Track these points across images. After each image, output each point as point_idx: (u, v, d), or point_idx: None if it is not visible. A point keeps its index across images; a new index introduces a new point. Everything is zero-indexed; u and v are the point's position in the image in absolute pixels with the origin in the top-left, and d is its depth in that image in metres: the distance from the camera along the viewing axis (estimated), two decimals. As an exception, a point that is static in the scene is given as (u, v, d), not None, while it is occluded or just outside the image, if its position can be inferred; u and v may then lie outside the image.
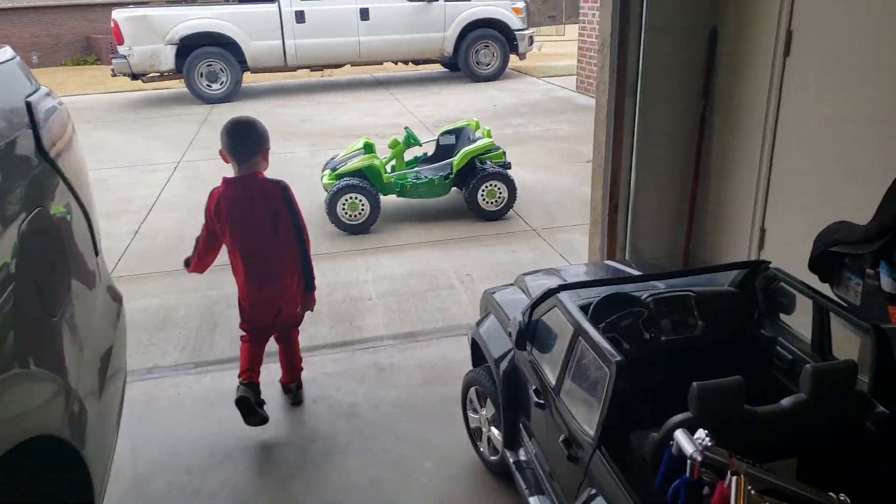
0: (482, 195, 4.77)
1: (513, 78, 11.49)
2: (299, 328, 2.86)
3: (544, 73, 11.69)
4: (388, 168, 5.11)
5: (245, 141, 2.56)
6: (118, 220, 5.32)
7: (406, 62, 11.56)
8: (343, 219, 4.67)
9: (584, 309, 1.84)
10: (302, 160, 6.84)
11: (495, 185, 4.77)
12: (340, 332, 3.43)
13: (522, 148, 6.87)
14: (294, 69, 10.91)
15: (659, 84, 3.08)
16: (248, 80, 12.14)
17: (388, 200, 5.08)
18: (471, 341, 2.47)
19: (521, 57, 11.45)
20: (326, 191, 4.85)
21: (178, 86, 11.08)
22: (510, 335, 2.02)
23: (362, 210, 4.67)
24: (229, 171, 2.75)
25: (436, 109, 9.11)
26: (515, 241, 4.48)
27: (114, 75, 10.54)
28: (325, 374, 3.05)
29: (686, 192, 3.28)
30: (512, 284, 2.52)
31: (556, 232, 4.61)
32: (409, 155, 5.25)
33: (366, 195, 4.64)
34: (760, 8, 2.80)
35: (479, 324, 2.41)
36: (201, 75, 10.27)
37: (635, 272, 2.45)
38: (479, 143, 4.78)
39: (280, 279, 2.63)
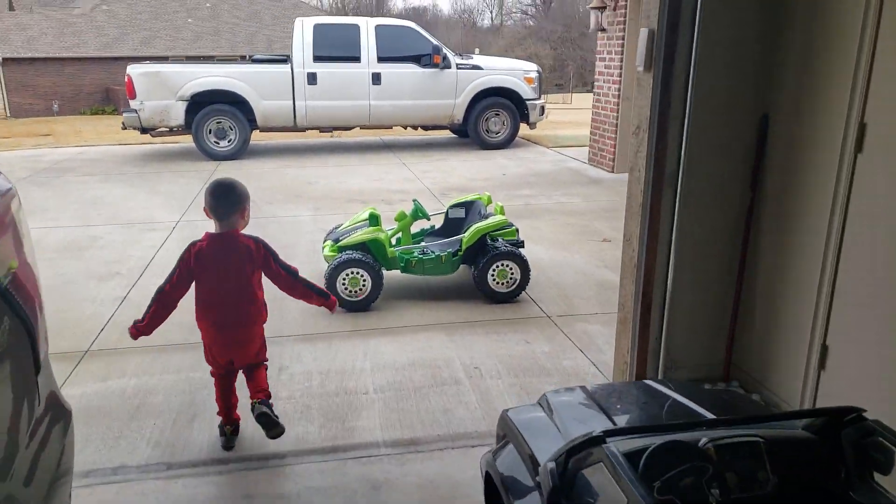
0: (493, 275, 4.46)
1: (522, 147, 11.38)
2: (266, 369, 3.01)
3: (554, 142, 11.59)
4: (393, 241, 4.83)
5: (224, 201, 2.78)
6: (108, 283, 5.01)
7: (416, 127, 11.49)
8: (343, 294, 4.34)
9: (631, 458, 1.48)
10: (304, 224, 6.57)
11: (507, 266, 4.46)
12: (331, 433, 3.05)
13: (533, 222, 6.60)
14: (303, 130, 10.82)
15: (702, 174, 2.80)
16: (257, 138, 12.06)
17: (392, 275, 4.76)
18: (484, 475, 2.10)
19: (532, 126, 11.36)
20: (328, 262, 4.55)
21: (186, 141, 10.97)
22: (538, 486, 1.66)
23: (364, 286, 4.35)
24: None
25: (443, 176, 8.92)
26: (528, 330, 4.13)
27: (124, 128, 10.45)
28: (310, 489, 2.66)
29: (729, 295, 2.96)
30: (535, 405, 2.16)
31: (574, 321, 4.27)
32: (415, 227, 4.97)
33: (368, 271, 4.33)
34: (823, 96, 2.53)
35: (495, 454, 2.04)
36: (210, 132, 10.17)
37: (681, 398, 2.09)
38: (491, 220, 4.50)
39: (251, 326, 2.86)
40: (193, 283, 2.79)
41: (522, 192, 7.97)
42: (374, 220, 4.69)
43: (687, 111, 2.66)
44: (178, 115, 10.03)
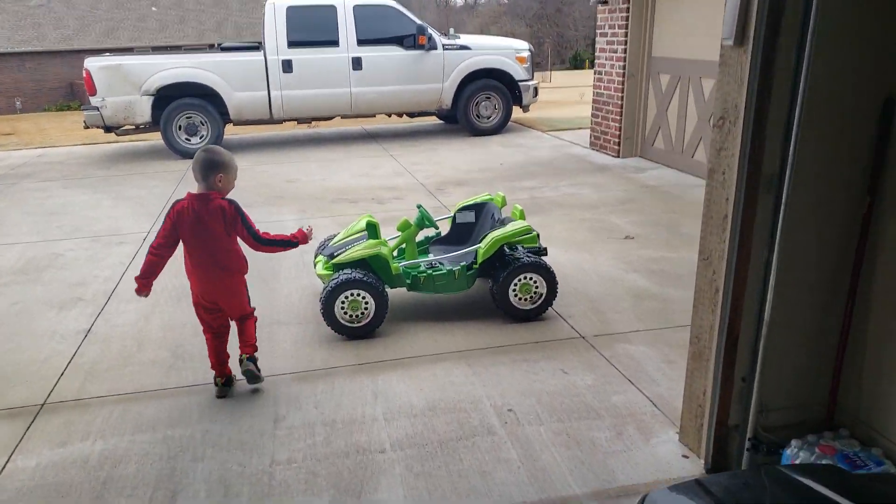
0: (514, 291, 3.84)
1: (516, 132, 10.73)
2: (255, 322, 3.33)
3: (550, 126, 10.96)
4: (395, 253, 4.20)
5: (203, 165, 3.02)
6: (69, 312, 4.32)
7: (401, 115, 10.79)
8: (342, 320, 3.71)
9: None
10: (289, 230, 5.85)
11: (531, 279, 3.85)
12: (345, 515, 2.44)
13: (543, 218, 5.98)
14: (280, 122, 10.08)
15: (811, 177, 2.19)
16: (231, 132, 11.30)
17: (397, 294, 4.13)
18: None
19: (525, 109, 10.72)
20: (322, 282, 3.91)
21: (156, 138, 10.18)
22: None
23: (366, 310, 3.72)
24: None
25: (436, 168, 8.26)
26: (563, 355, 3.54)
27: (86, 127, 9.63)
28: None
29: (836, 324, 2.37)
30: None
31: (613, 341, 3.68)
32: (419, 235, 4.33)
33: (371, 292, 3.69)
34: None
35: None
36: (179, 128, 9.41)
37: (837, 497, 1.50)
38: (511, 227, 3.87)
39: (229, 273, 3.17)
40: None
41: (525, 183, 7.34)
42: (372, 230, 4.05)
43: (798, 97, 2.04)
44: (143, 111, 9.24)
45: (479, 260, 3.83)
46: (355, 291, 3.68)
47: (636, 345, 3.64)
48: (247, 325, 3.25)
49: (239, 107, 9.55)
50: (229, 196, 3.11)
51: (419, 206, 4.11)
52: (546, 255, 4.12)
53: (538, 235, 4.12)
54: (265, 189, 7.49)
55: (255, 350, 3.25)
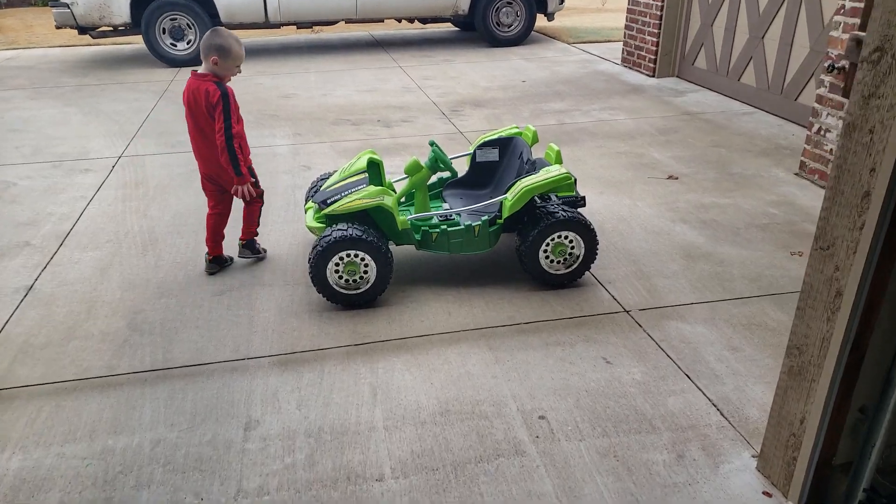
0: (546, 252, 3.15)
1: (539, 43, 9.67)
2: (260, 207, 3.50)
3: (576, 37, 9.88)
4: (403, 200, 3.48)
5: (202, 46, 3.12)
6: (12, 260, 3.66)
7: (412, 20, 9.71)
8: (336, 286, 3.05)
9: None
10: (281, 158, 5.15)
11: (566, 238, 3.15)
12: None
13: (573, 150, 5.20)
14: (278, 26, 9.05)
15: None
16: (224, 36, 10.25)
17: (402, 249, 3.45)
18: None
19: (550, 17, 9.62)
20: (314, 234, 3.23)
21: (140, 42, 9.20)
22: None
23: (365, 274, 3.05)
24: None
25: (450, 84, 7.36)
26: (603, 336, 2.89)
27: (57, 27, 8.65)
28: None
29: None
30: None
31: (663, 318, 3.02)
32: (431, 178, 3.59)
33: (371, 252, 3.01)
34: None
35: None
36: (164, 32, 8.43)
37: None
38: (547, 175, 3.12)
39: (213, 158, 3.23)
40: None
41: (551, 105, 6.48)
42: (374, 171, 3.33)
43: None
44: (121, 9, 8.23)
45: (505, 214, 3.12)
46: (352, 252, 2.99)
47: (691, 323, 2.98)
48: (250, 209, 3.44)
49: (230, 7, 8.52)
50: (229, 84, 3.17)
51: (432, 143, 3.35)
52: (584, 205, 3.39)
53: (575, 181, 3.38)
54: (258, 105, 6.66)
55: (254, 235, 3.50)
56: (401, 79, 7.68)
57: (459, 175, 3.72)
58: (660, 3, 7.18)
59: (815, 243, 1.87)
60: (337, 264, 3.01)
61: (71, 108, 6.68)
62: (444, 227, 3.19)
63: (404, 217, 3.15)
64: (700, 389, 2.57)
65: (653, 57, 7.41)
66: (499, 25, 9.25)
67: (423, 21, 9.82)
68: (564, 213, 3.12)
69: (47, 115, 6.43)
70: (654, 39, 7.33)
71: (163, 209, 4.25)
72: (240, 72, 3.23)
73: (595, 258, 3.23)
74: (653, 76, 7.44)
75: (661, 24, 7.23)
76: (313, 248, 3.00)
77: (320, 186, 3.55)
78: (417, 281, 3.34)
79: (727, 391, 2.56)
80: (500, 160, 3.69)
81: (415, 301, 3.17)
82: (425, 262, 3.50)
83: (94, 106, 6.75)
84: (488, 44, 9.36)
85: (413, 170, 3.24)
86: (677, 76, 7.44)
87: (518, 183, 3.12)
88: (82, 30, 8.48)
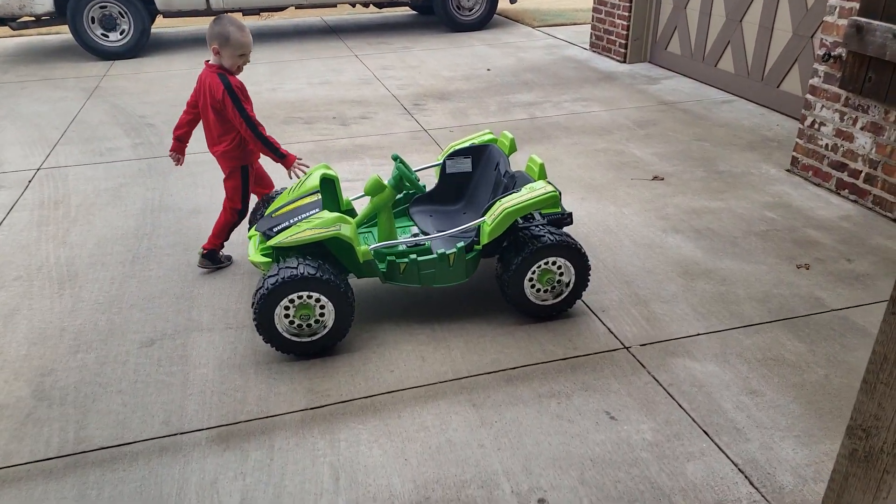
0: (531, 281, 2.73)
1: (502, 27, 9.19)
2: (234, 222, 3.24)
3: (540, 20, 9.43)
4: (367, 234, 3.01)
5: (207, 35, 2.94)
6: None
7: (366, 4, 9.12)
8: (287, 334, 2.57)
9: None
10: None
11: (554, 264, 2.72)
12: None
13: (548, 148, 4.77)
14: (219, 13, 8.36)
15: None
16: (161, 24, 9.55)
17: (366, 280, 2.98)
18: None
19: (513, 0, 9.14)
20: (260, 271, 2.74)
21: (68, 32, 8.41)
22: None
23: (322, 317, 2.58)
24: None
25: (411, 74, 6.85)
26: (604, 382, 2.48)
27: (-26, 18, 7.82)
28: None
29: None
30: None
31: (668, 354, 2.63)
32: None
33: (328, 292, 2.53)
34: None
35: None
36: (93, 21, 7.67)
37: None
38: (533, 195, 2.66)
39: (212, 146, 3.15)
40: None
41: (519, 96, 6.03)
42: (329, 188, 2.86)
43: None
44: (45, -2, 7.47)
45: (484, 240, 2.68)
46: (305, 293, 2.52)
47: (700, 360, 2.60)
48: (224, 220, 3.22)
49: (166, -6, 7.81)
50: (239, 77, 3.01)
51: (395, 158, 2.88)
52: (571, 222, 2.97)
53: (559, 195, 2.96)
54: (199, 103, 6.04)
55: (213, 246, 3.24)
56: (357, 69, 7.13)
57: (428, 189, 3.27)
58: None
59: (890, 306, 1.48)
60: (287, 308, 2.53)
61: (-13, 111, 5.97)
62: (414, 255, 2.73)
63: (366, 247, 2.67)
64: (722, 450, 2.19)
65: (623, 42, 7.01)
66: (459, 9, 8.73)
67: (379, 5, 9.25)
68: (552, 237, 2.69)
69: (-42, 120, 5.72)
70: (625, 23, 6.94)
71: (86, 234, 3.69)
72: (247, 62, 3.00)
73: (587, 285, 2.82)
74: (624, 62, 7.05)
75: (631, 6, 6.83)
76: (257, 291, 2.51)
77: (263, 209, 3.05)
78: (384, 317, 2.88)
79: (753, 450, 2.18)
80: (473, 171, 3.24)
81: (382, 344, 2.71)
82: (393, 294, 3.04)
83: (12, 108, 6.05)
84: (449, 29, 8.84)
85: (374, 190, 2.76)
86: (650, 62, 7.07)
87: (497, 204, 2.67)
88: (1, 21, 7.68)
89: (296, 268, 2.50)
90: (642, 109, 5.59)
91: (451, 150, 3.24)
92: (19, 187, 4.34)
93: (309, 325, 2.58)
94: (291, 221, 2.68)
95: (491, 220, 2.64)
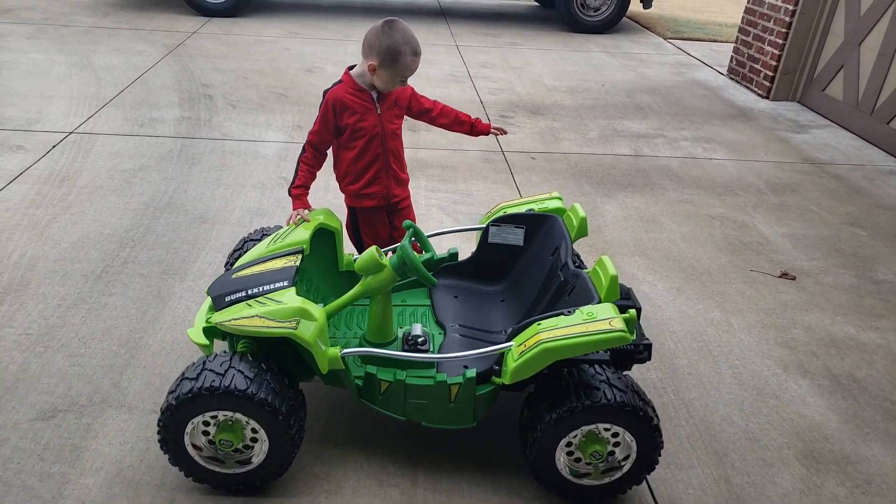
0: (569, 448, 1.83)
1: (629, 32, 8.06)
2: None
3: (675, 30, 8.20)
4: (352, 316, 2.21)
5: (365, 39, 2.22)
6: None
7: (483, -10, 8.25)
8: (201, 460, 1.83)
9: None
10: (261, 163, 3.93)
11: (607, 431, 1.82)
12: None
13: (649, 202, 3.78)
14: (325, -20, 7.75)
15: None
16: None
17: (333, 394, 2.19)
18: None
19: (647, 4, 7.98)
20: (202, 351, 1.99)
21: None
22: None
23: (253, 444, 1.81)
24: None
25: (509, 77, 5.95)
26: None
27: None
28: None
29: None
30: None
31: None
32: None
33: (262, 419, 1.75)
34: None
35: None
36: (198, -27, 7.26)
37: None
38: (591, 331, 1.71)
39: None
40: None
41: (629, 124, 5.01)
42: (326, 243, 2.12)
43: None
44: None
45: (507, 380, 1.80)
46: (228, 414, 1.76)
47: None
48: None
49: (271, -47, 7.28)
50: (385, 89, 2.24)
51: (408, 227, 2.05)
52: (647, 358, 2.04)
53: (639, 314, 2.03)
54: (271, 79, 5.44)
55: None
56: (451, 62, 6.30)
57: (457, 260, 2.42)
58: (791, 6, 5.52)
59: None
60: (206, 424, 1.79)
61: (60, 56, 5.62)
62: (402, 374, 1.91)
63: (335, 351, 1.87)
64: None
65: (770, 73, 5.78)
66: (583, 8, 7.68)
67: (497, -8, 8.35)
68: (611, 394, 1.78)
69: (28, 63, 5.39)
70: (776, 51, 5.69)
71: (69, 227, 3.11)
72: (401, 85, 2.26)
73: (654, 467, 1.89)
74: (766, 97, 5.82)
75: (788, 32, 5.58)
76: (166, 399, 1.77)
77: (234, 260, 2.32)
78: (349, 442, 2.07)
79: None
80: (524, 246, 2.36)
81: (335, 492, 1.91)
82: (362, 407, 2.23)
83: (88, 56, 5.67)
84: (568, 28, 7.82)
85: (369, 269, 1.95)
86: (799, 102, 5.80)
87: (534, 328, 1.79)
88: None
89: (223, 374, 1.74)
90: (781, 166, 4.44)
91: (500, 213, 2.37)
92: (39, 152, 3.86)
93: (237, 450, 1.83)
94: (249, 292, 1.92)
95: (519, 354, 1.76)
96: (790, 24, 5.57)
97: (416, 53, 2.16)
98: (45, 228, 3.09)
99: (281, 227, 2.30)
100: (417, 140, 4.40)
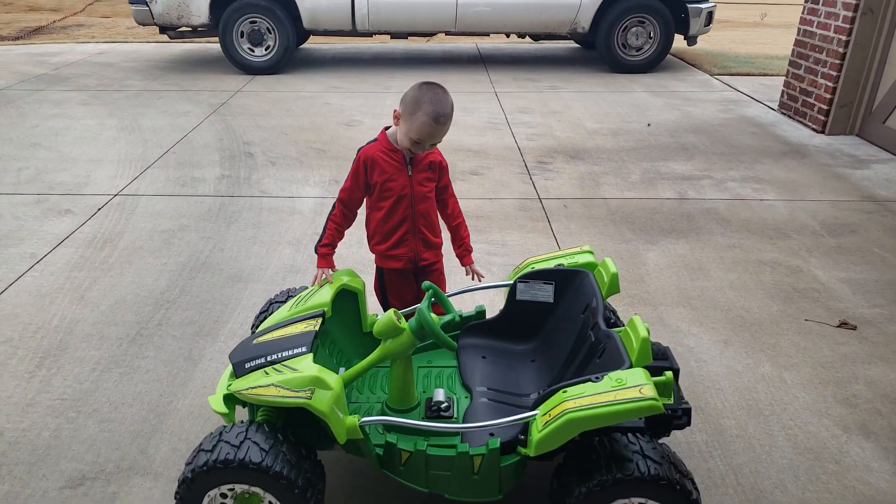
0: (602, 521, 1.70)
1: (673, 70, 7.95)
2: None
3: (722, 66, 8.04)
4: (362, 396, 2.15)
5: None
6: None
7: (522, 35, 8.31)
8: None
9: None
10: (297, 219, 3.97)
11: None
12: None
13: (694, 248, 3.62)
14: (367, 35, 7.97)
15: None
16: (310, 42, 9.43)
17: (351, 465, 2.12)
18: None
19: (691, 42, 7.87)
20: (224, 420, 1.96)
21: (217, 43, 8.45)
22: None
23: (274, 513, 1.76)
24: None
25: (548, 122, 5.91)
26: None
27: (139, 24, 8.05)
28: None
29: None
30: None
31: None
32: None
33: (278, 491, 1.69)
34: None
35: None
36: (242, 35, 7.57)
37: None
38: (620, 400, 1.60)
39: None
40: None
41: (673, 165, 4.87)
42: (348, 304, 2.09)
43: None
44: (199, 9, 7.45)
45: (532, 452, 1.69)
46: (245, 487, 1.70)
47: None
48: None
49: (314, 12, 7.51)
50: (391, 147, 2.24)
51: (429, 288, 1.99)
52: (687, 423, 1.90)
53: (677, 375, 1.90)
54: (310, 135, 5.56)
55: None
56: (490, 109, 6.32)
57: (484, 318, 2.34)
58: (844, 37, 5.33)
59: None
60: (224, 497, 1.74)
61: (111, 121, 5.89)
62: (423, 444, 1.82)
63: (353, 420, 1.80)
64: None
65: (825, 107, 5.56)
66: (625, 48, 7.63)
67: (536, 38, 8.39)
68: (646, 466, 1.65)
69: (81, 128, 5.67)
70: (830, 84, 5.48)
71: (108, 290, 3.18)
72: (423, 151, 2.19)
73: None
74: (822, 132, 5.59)
75: (843, 64, 5.38)
76: (183, 470, 1.74)
77: (259, 322, 2.30)
78: (377, 514, 1.99)
79: None
80: (555, 303, 2.26)
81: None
82: (386, 477, 2.14)
83: (136, 119, 5.93)
84: (610, 68, 7.77)
85: (387, 333, 1.89)
86: (858, 135, 5.55)
87: (560, 396, 1.68)
88: (162, 29, 7.83)
89: (238, 446, 1.70)
90: (838, 206, 4.21)
91: (528, 269, 2.29)
92: (85, 215, 4.00)
93: (244, 528, 1.77)
94: (267, 359, 1.89)
95: (544, 425, 1.66)
96: (844, 54, 5.37)
97: (436, 119, 2.09)
98: (86, 291, 3.17)
99: (306, 288, 2.27)
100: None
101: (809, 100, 5.76)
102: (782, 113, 6.17)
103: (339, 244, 2.32)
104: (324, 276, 2.22)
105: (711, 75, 7.72)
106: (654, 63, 7.73)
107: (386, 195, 2.25)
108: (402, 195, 2.25)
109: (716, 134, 5.60)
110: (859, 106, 5.49)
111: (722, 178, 4.65)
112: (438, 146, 2.27)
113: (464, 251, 2.42)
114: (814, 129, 5.67)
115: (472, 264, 2.43)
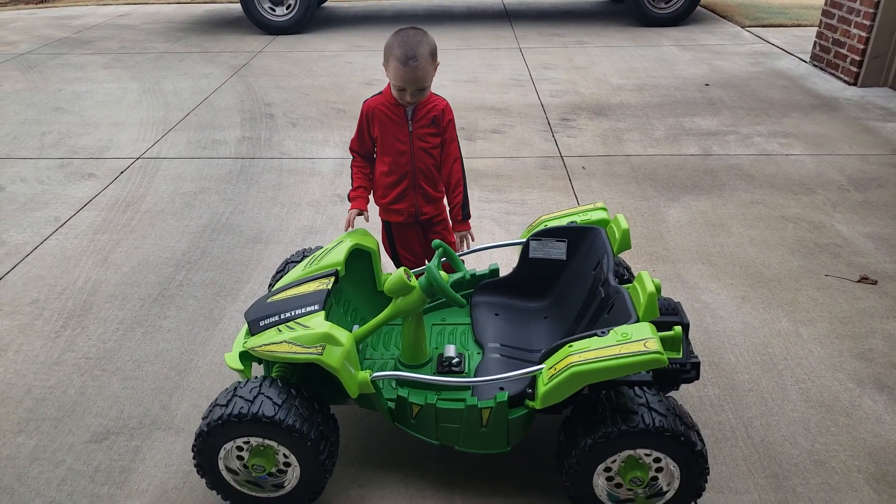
0: (609, 473, 1.73)
1: (703, 23, 7.69)
2: None
3: (753, 18, 7.76)
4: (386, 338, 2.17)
5: None
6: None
7: (546, -11, 8.10)
8: (236, 484, 1.85)
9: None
10: (317, 179, 3.99)
11: (648, 456, 1.70)
12: None
13: (716, 205, 3.56)
14: (386, -8, 7.84)
15: None
16: (333, 0, 9.31)
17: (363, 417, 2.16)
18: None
19: (721, -9, 7.59)
20: (240, 376, 2.02)
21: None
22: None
23: (285, 469, 1.81)
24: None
25: (573, 77, 5.79)
26: None
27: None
28: None
29: None
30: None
31: None
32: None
33: (292, 444, 1.75)
34: None
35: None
36: (262, -6, 7.51)
37: None
38: (623, 354, 1.62)
39: None
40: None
41: (699, 121, 4.76)
42: (362, 264, 2.11)
43: None
44: (218, -30, 7.41)
45: (538, 405, 1.72)
46: (259, 440, 1.76)
47: None
48: None
49: (333, -30, 7.42)
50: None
51: (439, 246, 2.00)
52: (695, 377, 1.90)
53: (686, 330, 1.90)
54: (331, 94, 5.54)
55: None
56: (514, 65, 6.21)
57: (498, 275, 2.35)
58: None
59: None
60: (240, 449, 1.80)
61: (133, 84, 5.94)
62: (433, 398, 1.86)
63: (364, 374, 1.84)
64: None
65: (858, 58, 5.35)
66: (654, 1, 7.40)
67: (560, -10, 8.17)
68: (650, 418, 1.67)
69: (103, 92, 5.72)
70: (864, 34, 5.26)
71: (131, 252, 3.26)
72: (408, 100, 2.17)
73: (701, 493, 1.75)
74: (854, 84, 5.39)
75: (876, 13, 5.15)
76: (200, 424, 1.80)
77: (275, 282, 2.34)
78: (383, 465, 2.04)
79: None
80: (567, 260, 2.26)
81: (370, 516, 1.88)
82: (399, 430, 2.19)
83: (158, 82, 5.96)
84: (638, 22, 7.55)
85: (397, 291, 1.91)
86: (891, 87, 5.34)
87: (566, 350, 1.70)
88: (180, -11, 7.81)
89: (251, 400, 1.75)
90: (867, 160, 4.09)
91: (541, 227, 2.28)
92: (109, 178, 4.07)
93: (271, 474, 1.84)
94: (281, 317, 1.93)
95: (549, 378, 1.68)
96: (878, 3, 5.13)
97: (405, 61, 2.06)
98: (109, 254, 3.25)
99: (321, 248, 2.30)
100: (473, 149, 4.34)
101: (842, 51, 5.55)
102: (814, 65, 5.96)
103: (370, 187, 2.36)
104: (354, 216, 2.27)
105: (742, 27, 7.45)
106: (684, 15, 7.48)
107: (386, 150, 2.26)
108: (402, 151, 2.25)
109: (744, 88, 5.44)
110: (893, 57, 5.27)
111: (748, 133, 4.54)
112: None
113: (454, 217, 2.36)
114: (846, 82, 5.47)
115: (466, 230, 2.35)
